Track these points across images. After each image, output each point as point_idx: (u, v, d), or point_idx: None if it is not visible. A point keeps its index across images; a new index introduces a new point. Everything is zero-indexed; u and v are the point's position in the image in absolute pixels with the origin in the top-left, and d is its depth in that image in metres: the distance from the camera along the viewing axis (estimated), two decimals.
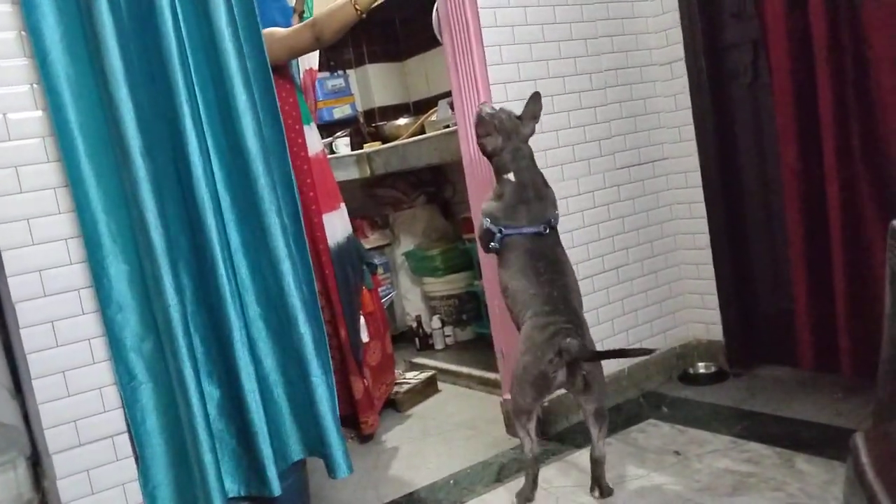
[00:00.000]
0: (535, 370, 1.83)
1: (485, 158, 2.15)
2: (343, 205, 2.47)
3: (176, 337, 1.66)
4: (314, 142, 2.35)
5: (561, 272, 1.95)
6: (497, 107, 2.07)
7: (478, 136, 2.02)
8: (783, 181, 2.26)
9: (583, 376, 1.83)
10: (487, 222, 2.00)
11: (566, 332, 1.81)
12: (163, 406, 1.74)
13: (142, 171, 1.62)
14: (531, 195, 1.98)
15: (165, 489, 1.75)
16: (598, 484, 1.94)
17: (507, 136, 1.99)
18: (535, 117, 2.04)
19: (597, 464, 1.94)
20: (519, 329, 1.95)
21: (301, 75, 2.49)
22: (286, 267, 1.76)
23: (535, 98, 2.03)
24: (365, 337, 2.51)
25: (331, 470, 1.82)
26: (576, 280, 2.02)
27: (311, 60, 2.49)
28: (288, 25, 2.24)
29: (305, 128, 2.33)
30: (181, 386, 1.68)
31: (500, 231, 1.97)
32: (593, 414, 1.89)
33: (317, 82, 3.94)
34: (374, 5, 2.09)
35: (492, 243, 1.99)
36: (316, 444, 1.84)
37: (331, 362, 1.85)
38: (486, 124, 2.00)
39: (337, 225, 2.39)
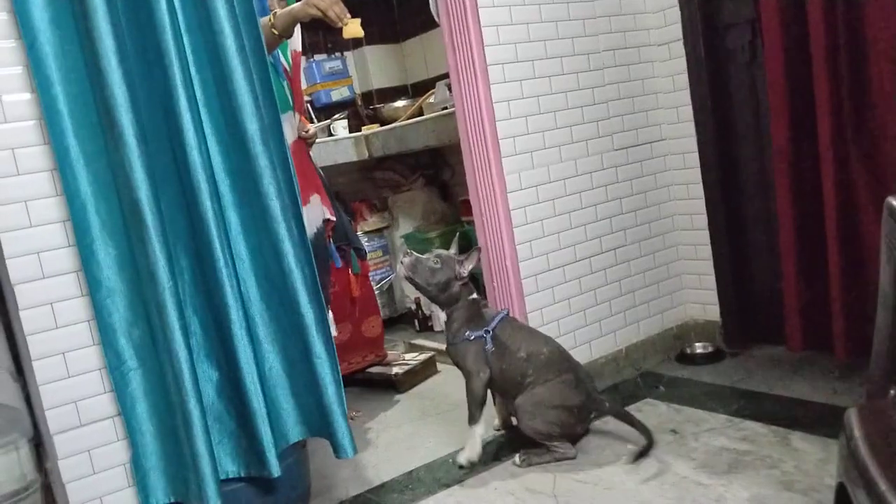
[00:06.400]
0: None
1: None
2: (315, 196, 2.36)
3: (171, 320, 1.64)
4: (287, 132, 2.25)
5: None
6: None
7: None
8: (773, 162, 2.26)
9: None
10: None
11: None
12: (154, 391, 1.73)
13: (135, 154, 1.60)
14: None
15: (157, 474, 1.75)
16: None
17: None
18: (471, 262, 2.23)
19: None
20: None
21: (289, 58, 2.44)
22: (287, 247, 1.76)
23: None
24: (334, 332, 2.49)
25: (336, 450, 1.84)
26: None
27: (295, 43, 2.43)
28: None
29: (281, 117, 2.24)
30: (176, 369, 1.66)
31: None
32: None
33: (314, 64, 3.94)
34: (293, 27, 2.10)
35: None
36: (320, 425, 1.85)
37: (333, 344, 1.86)
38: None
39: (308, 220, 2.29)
